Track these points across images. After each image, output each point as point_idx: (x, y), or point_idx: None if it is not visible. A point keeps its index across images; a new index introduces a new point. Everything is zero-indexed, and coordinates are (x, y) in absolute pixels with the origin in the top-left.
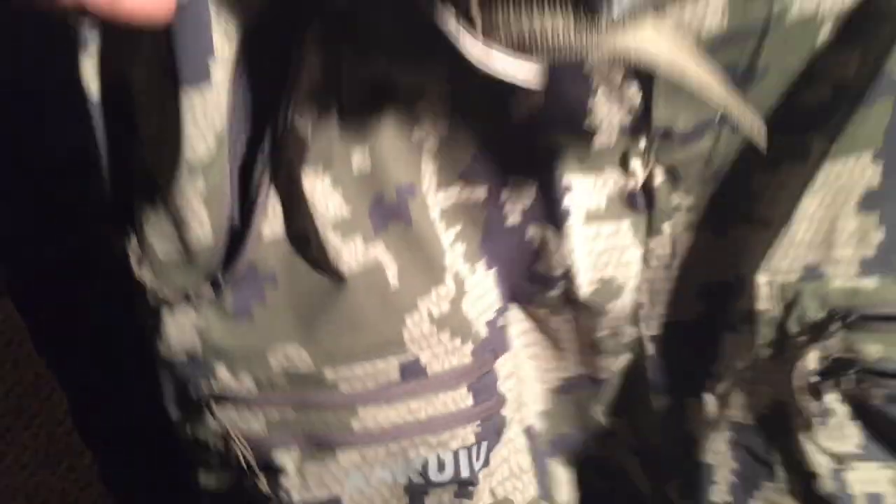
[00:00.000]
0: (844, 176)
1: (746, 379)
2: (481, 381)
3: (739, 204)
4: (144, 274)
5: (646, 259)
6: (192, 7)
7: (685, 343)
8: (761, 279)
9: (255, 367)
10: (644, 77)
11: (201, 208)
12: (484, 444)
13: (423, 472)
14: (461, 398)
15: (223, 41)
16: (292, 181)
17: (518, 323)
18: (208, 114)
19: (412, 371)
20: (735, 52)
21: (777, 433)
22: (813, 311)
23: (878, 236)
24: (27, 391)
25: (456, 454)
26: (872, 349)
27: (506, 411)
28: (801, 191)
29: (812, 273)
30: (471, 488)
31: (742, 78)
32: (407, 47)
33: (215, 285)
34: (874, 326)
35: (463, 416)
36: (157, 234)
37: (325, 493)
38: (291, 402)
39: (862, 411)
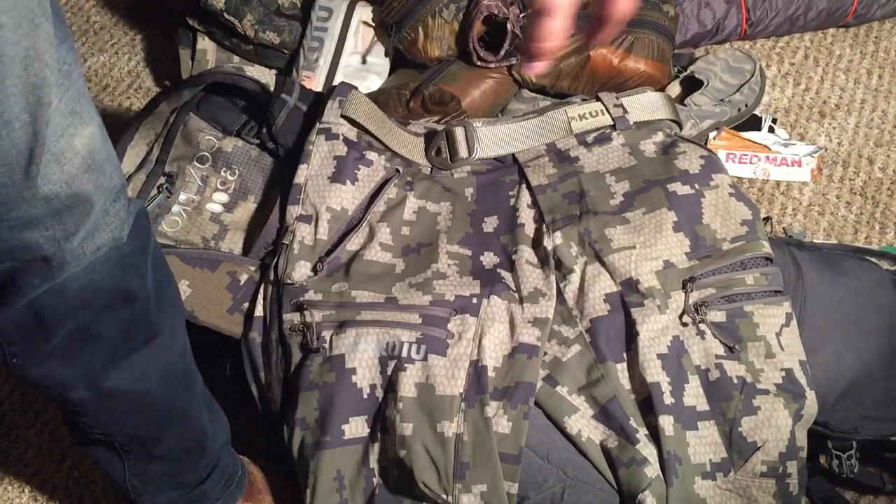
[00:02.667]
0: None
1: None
2: (431, 316)
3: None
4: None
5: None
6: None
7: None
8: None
9: (326, 293)
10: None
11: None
12: (423, 346)
13: (387, 349)
14: (413, 318)
15: None
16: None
17: (496, 312)
18: None
19: (390, 298)
20: None
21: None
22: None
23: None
24: (31, 389)
25: (403, 344)
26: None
27: (451, 340)
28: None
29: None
30: (406, 366)
31: None
32: None
33: (322, 262)
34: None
35: (412, 327)
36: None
37: (339, 352)
38: (333, 307)
39: None
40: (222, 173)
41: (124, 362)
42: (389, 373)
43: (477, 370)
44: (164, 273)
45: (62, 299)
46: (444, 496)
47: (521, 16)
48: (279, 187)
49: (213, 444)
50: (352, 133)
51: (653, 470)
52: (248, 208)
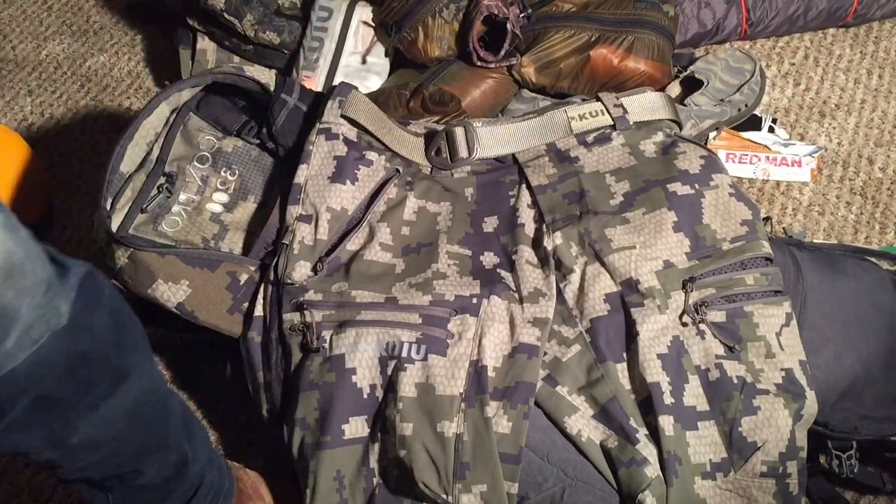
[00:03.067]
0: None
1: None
2: (431, 316)
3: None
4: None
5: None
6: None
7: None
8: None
9: (326, 293)
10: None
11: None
12: (423, 346)
13: (387, 349)
14: (413, 318)
15: None
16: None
17: (496, 312)
18: None
19: (390, 298)
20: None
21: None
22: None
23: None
24: None
25: (403, 344)
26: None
27: (451, 340)
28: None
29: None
30: (406, 365)
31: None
32: None
33: (322, 262)
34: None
35: (412, 327)
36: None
37: (339, 352)
38: (333, 307)
39: None
40: (222, 173)
41: (88, 416)
42: (389, 373)
43: (477, 370)
44: (124, 314)
45: (11, 384)
46: (444, 496)
47: (521, 16)
48: (279, 187)
49: (195, 466)
50: (352, 133)
51: (653, 470)
52: (248, 208)
